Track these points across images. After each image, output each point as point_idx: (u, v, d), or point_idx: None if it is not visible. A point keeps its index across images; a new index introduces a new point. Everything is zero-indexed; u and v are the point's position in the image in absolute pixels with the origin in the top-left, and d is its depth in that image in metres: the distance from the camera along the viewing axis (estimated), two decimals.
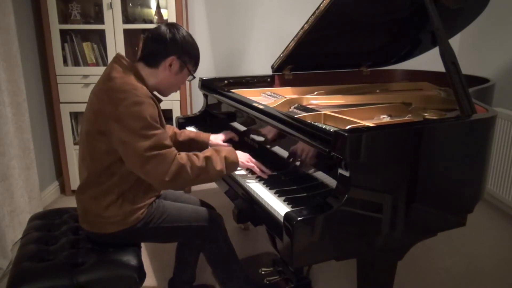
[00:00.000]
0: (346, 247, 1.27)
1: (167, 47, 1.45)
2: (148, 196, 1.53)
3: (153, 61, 1.47)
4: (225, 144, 1.87)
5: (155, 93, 1.52)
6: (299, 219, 1.13)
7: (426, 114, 1.76)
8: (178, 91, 2.88)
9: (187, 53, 1.50)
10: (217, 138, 1.87)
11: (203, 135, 1.88)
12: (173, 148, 1.41)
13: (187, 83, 3.10)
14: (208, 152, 1.50)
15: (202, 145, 1.86)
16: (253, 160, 1.61)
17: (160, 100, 1.51)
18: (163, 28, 1.47)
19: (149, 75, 1.48)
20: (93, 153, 1.42)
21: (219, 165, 1.47)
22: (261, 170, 1.59)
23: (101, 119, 1.37)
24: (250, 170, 1.63)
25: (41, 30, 2.73)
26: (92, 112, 1.41)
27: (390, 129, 1.35)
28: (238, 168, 1.59)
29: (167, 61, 1.46)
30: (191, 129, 2.19)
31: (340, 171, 1.22)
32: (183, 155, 1.42)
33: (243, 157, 1.59)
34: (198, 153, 1.48)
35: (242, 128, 1.93)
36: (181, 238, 1.72)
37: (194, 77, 1.58)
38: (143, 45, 1.50)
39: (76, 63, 2.84)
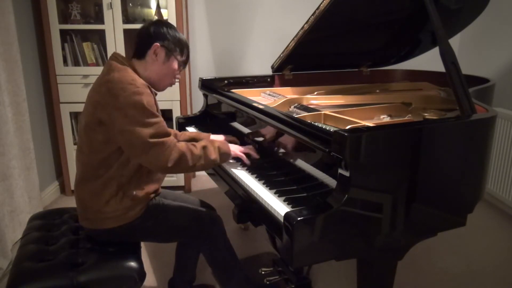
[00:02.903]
0: (346, 247, 1.27)
1: (150, 35, 1.52)
2: (148, 191, 1.53)
3: (140, 52, 1.53)
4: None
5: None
6: (299, 219, 1.12)
7: (426, 114, 1.76)
8: (178, 92, 2.89)
9: (171, 40, 1.54)
10: (217, 138, 1.88)
11: (203, 135, 1.89)
12: (172, 137, 1.47)
13: (187, 83, 3.10)
14: (203, 142, 1.58)
15: None
16: (242, 150, 1.69)
17: (155, 94, 1.54)
18: (149, 22, 1.55)
19: (141, 69, 1.52)
20: (91, 144, 1.45)
21: (213, 154, 1.55)
22: (252, 155, 1.68)
23: (100, 110, 1.40)
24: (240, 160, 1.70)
25: (41, 30, 2.73)
26: (91, 104, 1.44)
27: (390, 129, 1.34)
28: (231, 160, 1.69)
29: (152, 49, 1.51)
30: (191, 129, 2.19)
31: (340, 171, 1.22)
32: (182, 144, 1.49)
33: (233, 148, 1.67)
34: (195, 143, 1.56)
35: (242, 128, 1.93)
36: (180, 237, 1.72)
37: (184, 67, 1.63)
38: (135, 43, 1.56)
39: (76, 63, 2.85)
